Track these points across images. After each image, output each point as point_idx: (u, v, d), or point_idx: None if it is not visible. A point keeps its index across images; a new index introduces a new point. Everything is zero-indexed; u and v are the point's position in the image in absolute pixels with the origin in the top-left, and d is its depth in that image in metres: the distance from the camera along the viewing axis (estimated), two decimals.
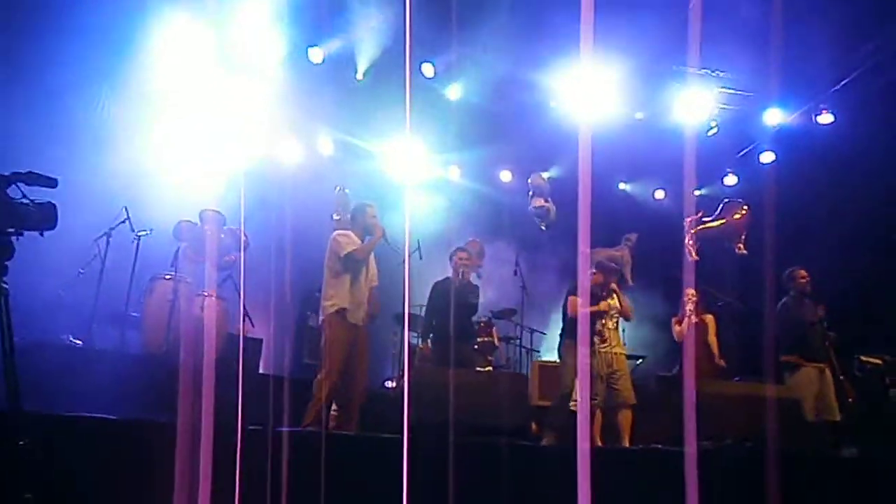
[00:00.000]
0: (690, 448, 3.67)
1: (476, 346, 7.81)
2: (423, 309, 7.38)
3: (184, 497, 3.39)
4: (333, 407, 6.01)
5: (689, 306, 6.90)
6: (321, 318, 5.94)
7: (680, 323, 7.44)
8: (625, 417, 6.36)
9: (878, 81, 8.61)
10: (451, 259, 7.17)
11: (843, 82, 8.90)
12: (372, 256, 6.10)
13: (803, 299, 7.03)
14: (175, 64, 7.85)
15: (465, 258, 7.10)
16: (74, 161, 6.52)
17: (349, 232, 6.08)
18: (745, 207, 7.03)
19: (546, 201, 8.79)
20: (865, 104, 8.71)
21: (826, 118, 9.19)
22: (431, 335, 7.11)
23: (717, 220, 6.96)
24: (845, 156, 8.79)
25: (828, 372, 6.87)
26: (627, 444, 6.21)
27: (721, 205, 7.12)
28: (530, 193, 9.06)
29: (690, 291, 6.75)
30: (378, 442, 4.76)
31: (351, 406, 5.79)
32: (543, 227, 8.96)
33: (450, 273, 7.19)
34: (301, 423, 5.40)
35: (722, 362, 7.37)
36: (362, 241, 5.99)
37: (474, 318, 7.61)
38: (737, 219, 6.94)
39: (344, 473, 4.31)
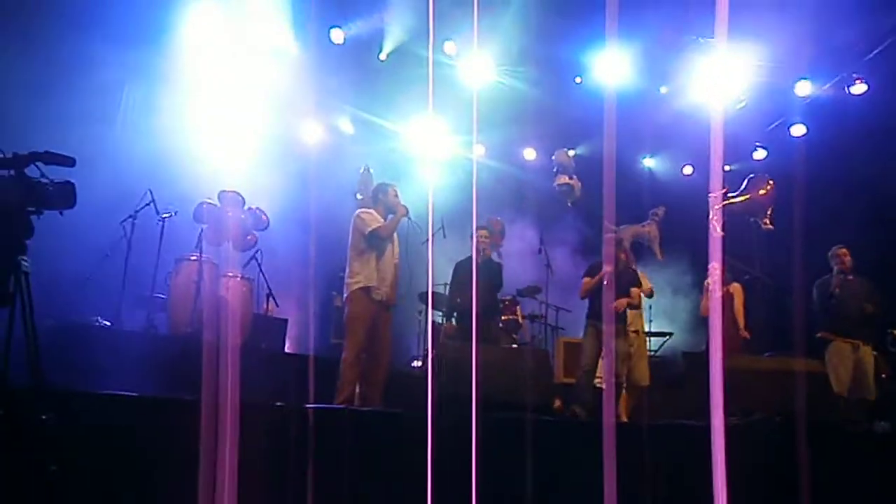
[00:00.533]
0: (716, 422, 3.64)
1: (501, 324, 7.79)
2: (447, 287, 7.36)
3: (209, 471, 3.43)
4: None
5: (711, 279, 6.81)
6: (345, 295, 5.93)
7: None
8: (630, 396, 6.37)
9: None
10: (471, 237, 7.14)
11: (876, 50, 8.61)
12: (395, 235, 6.09)
13: (846, 277, 6.91)
14: (197, 45, 7.88)
15: (485, 236, 7.07)
16: (101, 143, 6.60)
17: (372, 210, 6.07)
18: (771, 182, 6.89)
19: (571, 178, 8.73)
20: None
21: (859, 88, 8.80)
22: (455, 313, 7.09)
23: (741, 195, 6.83)
24: (880, 126, 8.54)
25: (865, 349, 6.72)
26: (625, 419, 6.19)
27: (746, 180, 6.98)
28: (555, 171, 8.98)
29: (713, 266, 6.66)
30: (403, 418, 4.76)
31: (375, 382, 5.79)
32: (570, 204, 8.89)
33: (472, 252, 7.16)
34: (333, 402, 5.42)
35: (746, 334, 7.25)
36: (385, 220, 5.98)
37: (498, 296, 7.59)
38: (762, 194, 6.81)
39: (368, 449, 4.33)
